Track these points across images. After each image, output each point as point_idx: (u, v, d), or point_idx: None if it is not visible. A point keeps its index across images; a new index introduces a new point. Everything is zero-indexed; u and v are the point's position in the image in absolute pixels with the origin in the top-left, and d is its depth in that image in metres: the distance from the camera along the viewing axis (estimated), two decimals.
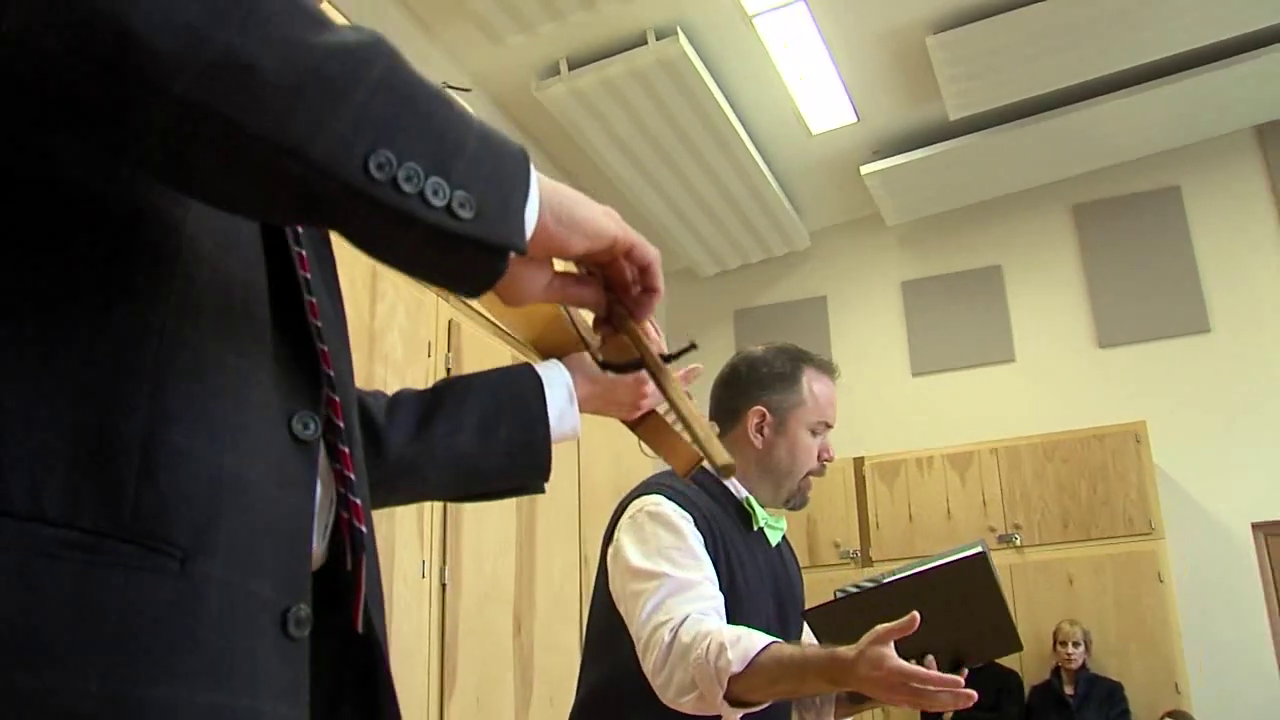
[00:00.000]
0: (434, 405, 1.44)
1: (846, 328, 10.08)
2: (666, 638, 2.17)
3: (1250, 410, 8.73)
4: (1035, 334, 9.49)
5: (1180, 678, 7.62)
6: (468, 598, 4.22)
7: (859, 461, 8.89)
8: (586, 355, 1.53)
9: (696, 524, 2.37)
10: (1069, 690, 7.56)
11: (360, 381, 1.32)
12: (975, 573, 2.33)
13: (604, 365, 1.36)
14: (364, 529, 1.01)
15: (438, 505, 4.02)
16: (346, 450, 1.03)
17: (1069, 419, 8.73)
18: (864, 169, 9.10)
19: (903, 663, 2.07)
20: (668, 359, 1.31)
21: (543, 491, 1.55)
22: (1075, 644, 7.60)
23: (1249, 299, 9.00)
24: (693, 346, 1.34)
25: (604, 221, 1.09)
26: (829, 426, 2.71)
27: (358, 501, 1.01)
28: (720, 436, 2.66)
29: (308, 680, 0.92)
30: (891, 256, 10.13)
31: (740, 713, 2.16)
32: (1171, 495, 8.45)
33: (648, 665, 2.18)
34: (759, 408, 2.66)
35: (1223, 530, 8.59)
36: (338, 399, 1.03)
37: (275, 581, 0.89)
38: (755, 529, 2.58)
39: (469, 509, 4.21)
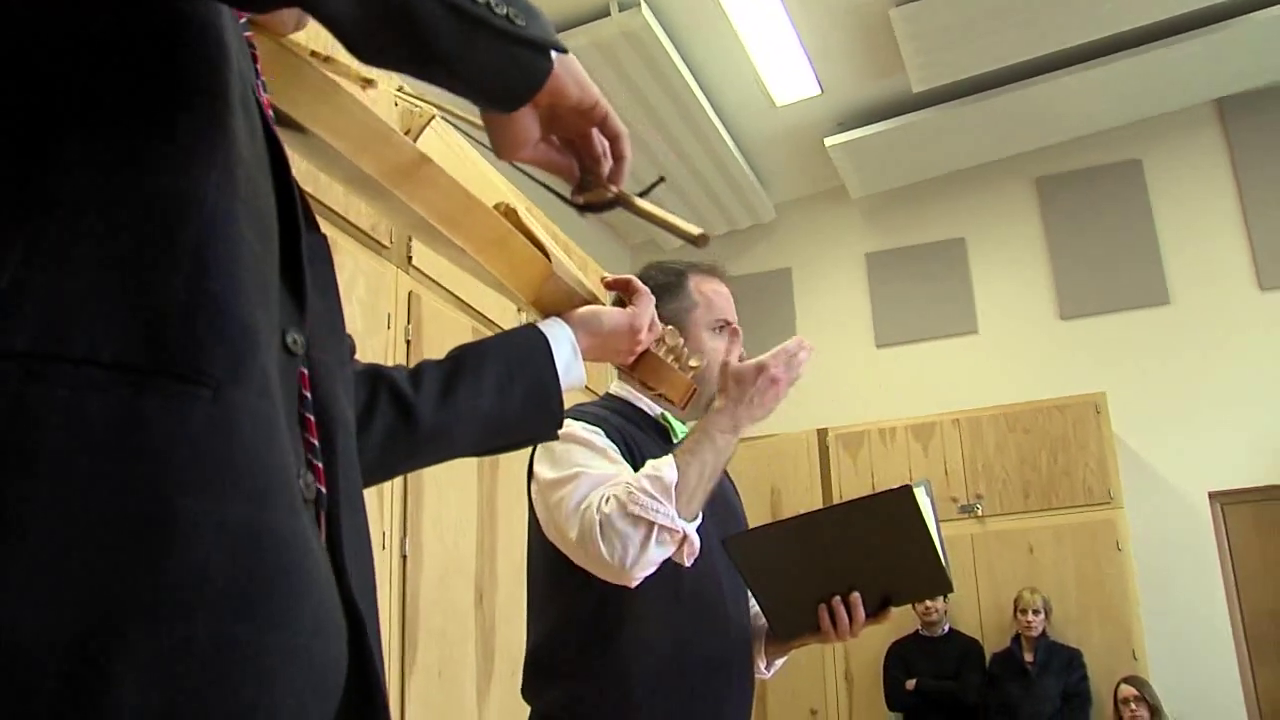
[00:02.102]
0: (455, 372, 1.50)
1: (811, 300, 10.12)
2: (597, 516, 2.14)
3: (1208, 381, 8.81)
4: (997, 306, 9.55)
5: (1137, 645, 7.67)
6: (429, 570, 4.17)
7: (823, 433, 8.91)
8: (583, 311, 1.63)
9: (608, 435, 2.35)
10: (1029, 658, 7.58)
11: None
12: (901, 507, 2.29)
13: (583, 207, 1.38)
14: (323, 488, 1.03)
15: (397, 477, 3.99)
16: (312, 418, 1.05)
17: (1030, 390, 8.78)
18: (828, 141, 9.12)
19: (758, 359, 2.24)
20: (640, 195, 1.39)
21: (556, 438, 1.63)
22: (1035, 612, 7.62)
23: (1208, 271, 9.08)
24: (661, 180, 1.41)
25: (593, 84, 1.22)
26: (730, 324, 2.68)
27: (320, 464, 1.03)
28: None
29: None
30: (856, 229, 10.17)
31: (695, 526, 2.17)
32: (1130, 465, 8.52)
33: (596, 553, 2.13)
34: None
35: (1180, 499, 8.68)
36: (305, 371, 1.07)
37: (288, 430, 0.97)
38: (676, 443, 2.51)
39: (430, 480, 4.19)
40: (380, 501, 3.97)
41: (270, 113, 1.11)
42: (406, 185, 1.35)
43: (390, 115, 1.37)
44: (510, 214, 1.53)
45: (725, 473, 2.68)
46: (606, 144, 1.30)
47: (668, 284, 2.65)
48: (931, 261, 9.82)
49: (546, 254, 1.56)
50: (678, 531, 2.13)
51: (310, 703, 0.89)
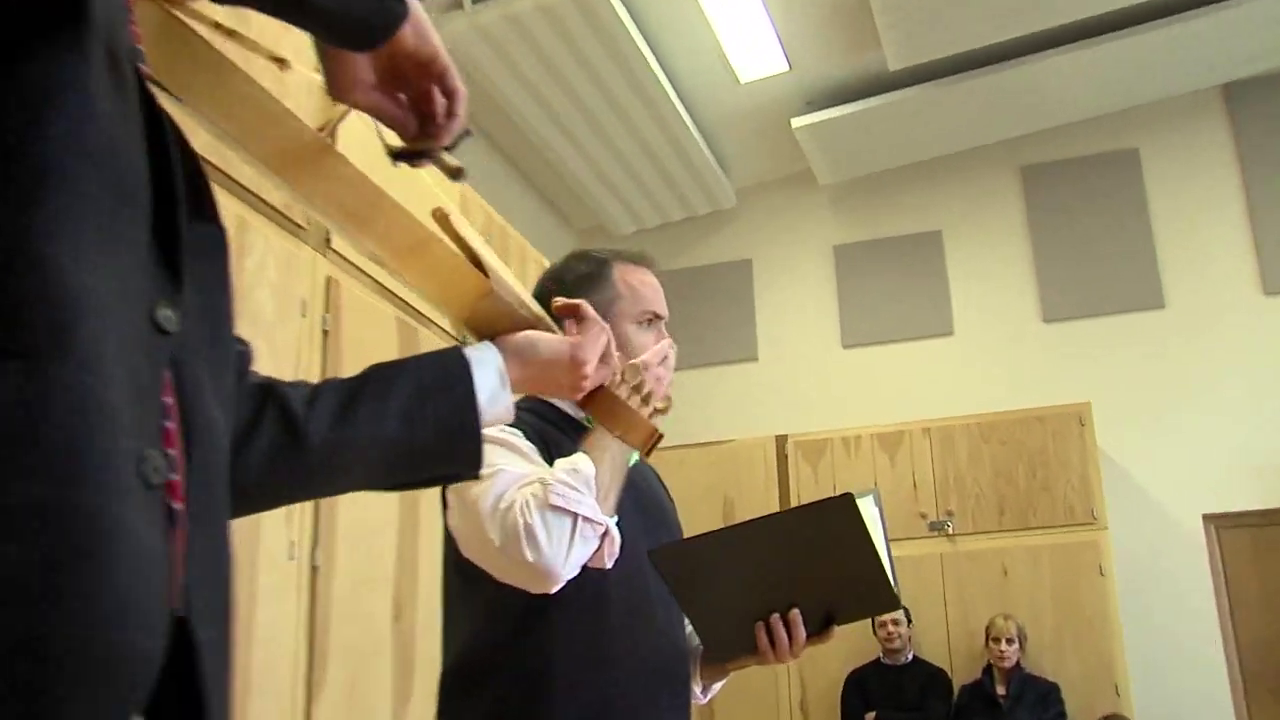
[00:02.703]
0: (357, 391, 1.49)
1: (773, 294, 10.14)
2: (520, 518, 2.14)
3: (1204, 393, 8.80)
4: (976, 306, 9.56)
5: (1120, 678, 7.68)
6: (341, 581, 4.18)
7: (781, 440, 8.94)
8: (519, 336, 1.63)
9: (527, 436, 2.36)
10: (1001, 690, 7.58)
11: None
12: (841, 517, 2.30)
13: (394, 154, 1.39)
14: (179, 506, 0.99)
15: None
16: (171, 403, 1.02)
17: (1008, 398, 8.83)
18: (795, 122, 9.09)
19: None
20: (448, 149, 1.38)
21: (477, 478, 1.60)
22: (1009, 641, 7.61)
23: (1207, 273, 9.07)
24: (467, 133, 1.38)
25: (436, 38, 1.30)
26: (660, 317, 2.67)
27: (174, 454, 1.00)
28: None
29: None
30: (823, 218, 10.18)
31: (614, 521, 2.18)
32: (1116, 482, 8.54)
33: (519, 555, 2.14)
34: None
35: (1171, 521, 8.70)
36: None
37: (128, 408, 0.92)
38: None
39: None
40: (288, 508, 3.88)
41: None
42: (302, 175, 1.37)
43: (304, 101, 1.36)
44: (443, 219, 1.54)
45: (658, 478, 2.77)
46: (445, 103, 1.35)
47: (589, 274, 2.65)
48: (905, 256, 9.84)
49: (483, 268, 1.57)
50: (600, 525, 2.15)
51: (101, 694, 0.87)
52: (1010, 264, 9.56)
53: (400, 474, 1.54)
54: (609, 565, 2.21)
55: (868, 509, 2.37)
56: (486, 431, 1.91)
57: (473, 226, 1.60)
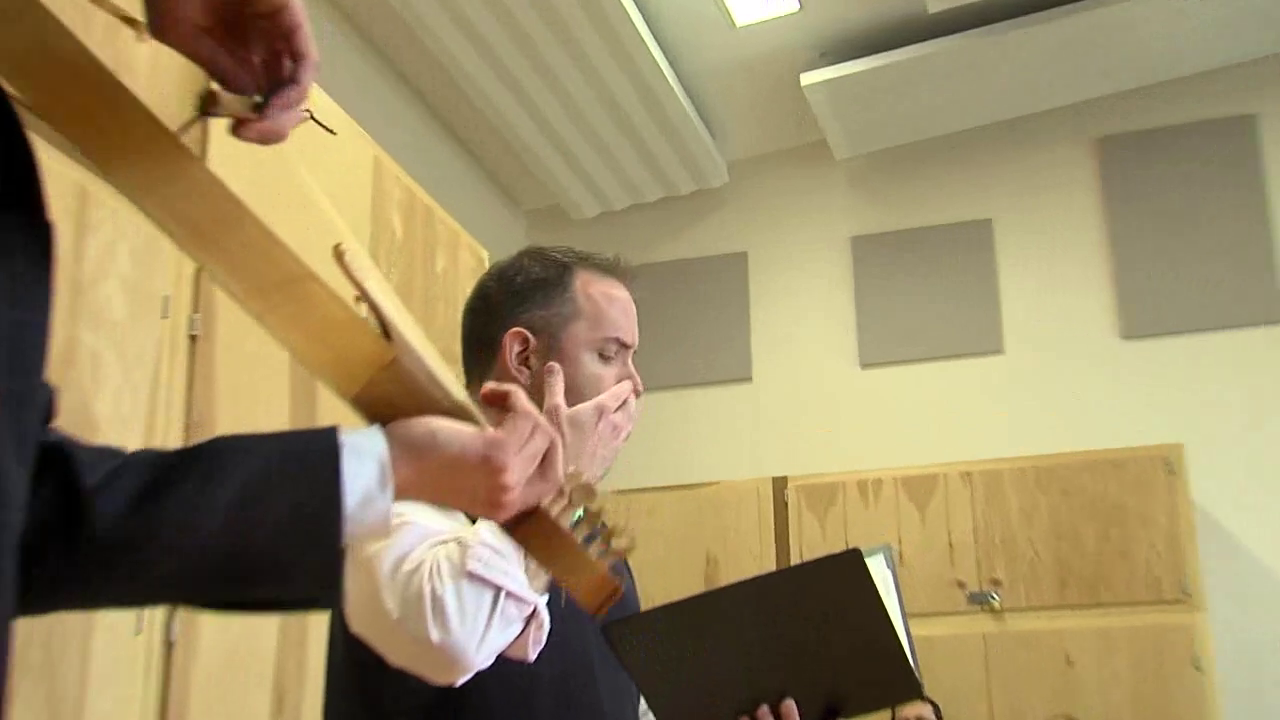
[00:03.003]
0: (174, 469, 1.41)
1: (773, 298, 10.10)
2: (427, 585, 2.14)
3: None
4: (1034, 317, 9.47)
5: None
6: (206, 662, 4.15)
7: (780, 483, 8.95)
8: (421, 424, 1.55)
9: None
10: None
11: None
12: (847, 579, 2.33)
13: (202, 102, 1.37)
14: None
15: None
16: None
17: (1074, 436, 8.72)
18: (806, 78, 9.04)
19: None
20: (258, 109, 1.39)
21: (333, 607, 1.57)
22: None
23: None
24: (309, 114, 1.44)
25: None
26: (626, 347, 2.72)
27: None
28: (475, 382, 2.72)
29: None
30: (839, 202, 10.15)
31: (544, 601, 2.21)
32: (1217, 547, 8.44)
33: (423, 632, 2.13)
34: (517, 329, 2.71)
35: None
36: None
37: None
38: None
39: None
40: None
41: None
42: (130, 173, 1.33)
43: (163, 80, 1.39)
44: (339, 258, 1.51)
45: None
46: (291, 66, 1.40)
47: (543, 280, 2.71)
48: (943, 252, 9.76)
49: (387, 330, 1.53)
50: (527, 604, 2.15)
51: None
52: (1080, 263, 9.47)
53: (222, 588, 1.47)
54: (532, 658, 2.21)
55: (877, 570, 2.43)
56: None
57: (395, 201, 1.58)
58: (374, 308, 1.51)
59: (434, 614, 2.11)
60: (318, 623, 4.32)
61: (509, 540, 1.92)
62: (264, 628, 4.43)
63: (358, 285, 1.50)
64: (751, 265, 10.22)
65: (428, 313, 5.83)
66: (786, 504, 8.86)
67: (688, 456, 9.64)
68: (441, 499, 1.60)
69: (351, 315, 1.48)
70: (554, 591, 2.21)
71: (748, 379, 10.00)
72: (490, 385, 1.73)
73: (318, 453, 1.46)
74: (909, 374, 9.68)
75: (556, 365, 2.53)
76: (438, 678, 2.16)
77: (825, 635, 2.39)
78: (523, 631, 2.17)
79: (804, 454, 9.33)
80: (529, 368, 2.66)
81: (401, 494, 1.52)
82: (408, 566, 2.17)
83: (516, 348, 2.68)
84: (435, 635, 2.11)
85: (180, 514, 1.38)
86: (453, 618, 2.10)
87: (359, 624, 2.25)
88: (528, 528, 1.68)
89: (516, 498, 1.60)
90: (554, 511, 1.71)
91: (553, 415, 2.37)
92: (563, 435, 2.29)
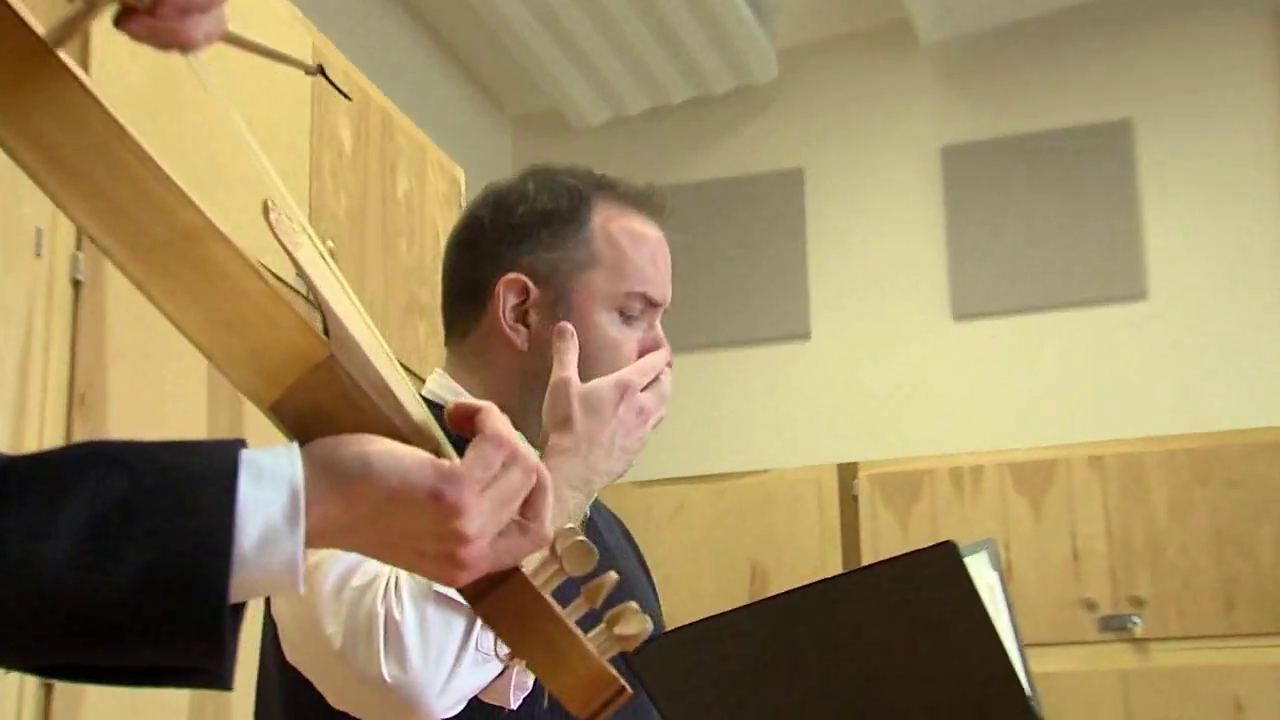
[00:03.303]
0: (13, 477, 1.39)
1: (837, 231, 10.00)
2: (380, 606, 2.16)
3: None
4: (1190, 252, 9.36)
5: None
6: (96, 703, 4.22)
7: (847, 471, 8.88)
8: (358, 444, 1.50)
9: None
10: None
11: None
12: (942, 579, 2.36)
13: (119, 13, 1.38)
14: None
15: None
16: None
17: (1245, 410, 8.66)
18: None
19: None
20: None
21: (223, 686, 1.52)
22: None
23: None
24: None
25: None
26: (655, 304, 2.79)
27: None
28: (456, 338, 2.85)
29: None
30: (925, 102, 10.06)
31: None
32: None
33: (373, 670, 2.15)
34: (515, 275, 2.77)
35: None
36: None
37: None
38: None
39: None
40: None
41: None
42: None
43: None
44: (266, 214, 1.51)
45: (626, 534, 2.96)
46: None
47: (551, 212, 2.77)
48: (1066, 165, 9.60)
49: (324, 318, 1.51)
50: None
51: None
52: (1253, 180, 9.31)
53: (68, 648, 1.41)
54: (514, 704, 2.25)
55: (980, 572, 2.49)
56: None
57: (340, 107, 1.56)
58: (309, 287, 1.51)
59: (387, 645, 2.12)
60: (245, 652, 4.63)
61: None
62: None
63: (288, 255, 1.51)
64: (809, 187, 10.08)
65: (386, 250, 5.90)
66: (856, 499, 8.74)
67: (726, 438, 9.54)
68: (375, 549, 1.56)
69: (272, 295, 1.46)
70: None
71: (804, 336, 9.93)
72: (457, 402, 1.66)
73: (205, 472, 1.42)
74: (1018, 328, 9.50)
75: (569, 326, 2.62)
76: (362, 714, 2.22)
77: (910, 655, 2.41)
78: (503, 671, 2.19)
79: (878, 433, 9.27)
80: (527, 325, 2.72)
81: (318, 538, 1.48)
82: (357, 581, 2.19)
83: (513, 299, 2.73)
84: (388, 672, 2.12)
85: (11, 541, 1.35)
86: (412, 650, 2.12)
87: (295, 654, 2.31)
88: (498, 600, 1.60)
89: (481, 554, 1.54)
90: (538, 580, 1.63)
91: (560, 392, 2.48)
92: (572, 419, 2.42)
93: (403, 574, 2.15)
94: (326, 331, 1.46)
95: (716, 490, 8.87)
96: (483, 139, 10.07)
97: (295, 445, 1.48)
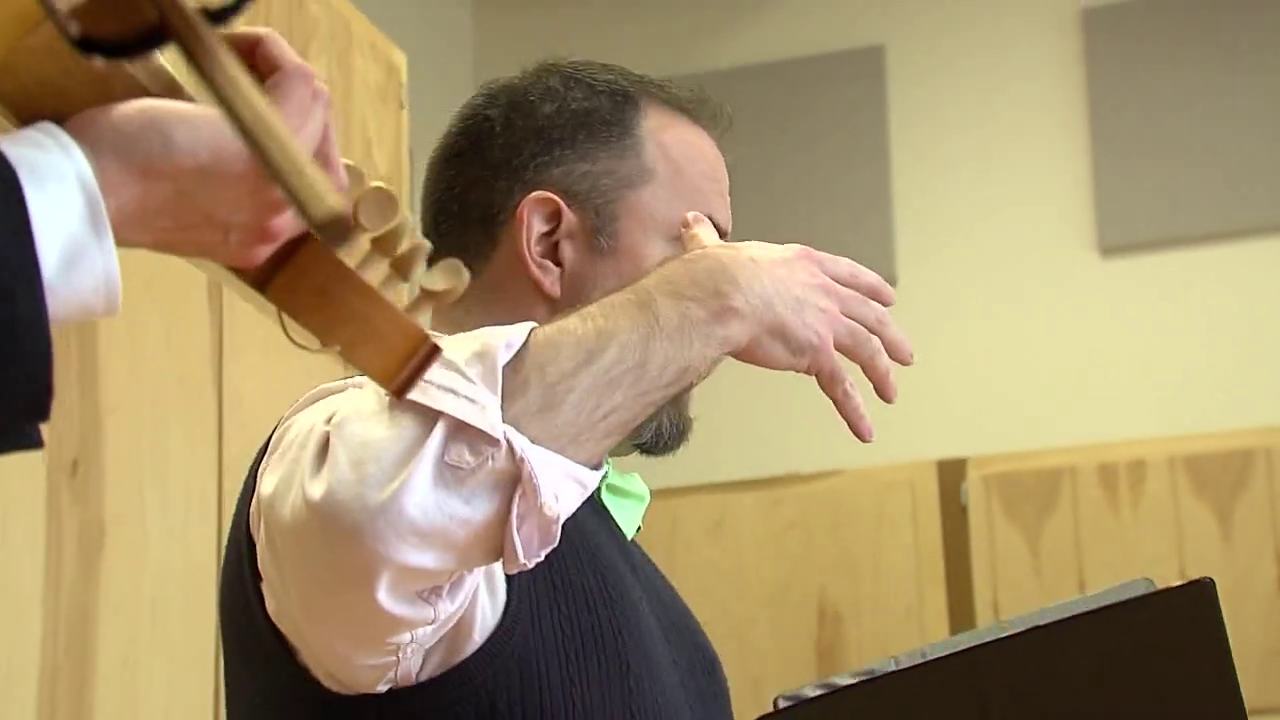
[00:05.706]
0: None
1: (933, 131, 8.95)
2: (323, 429, 2.01)
3: None
4: None
5: None
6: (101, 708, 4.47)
7: (953, 469, 8.03)
8: (136, 112, 1.47)
9: None
10: None
11: None
12: (1193, 622, 2.28)
13: (82, 43, 1.28)
14: None
15: None
16: None
17: None
18: None
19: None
20: (218, 15, 1.31)
21: (33, 445, 1.46)
22: None
23: None
24: None
25: None
26: (715, 228, 2.59)
27: None
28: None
29: None
30: None
31: (593, 472, 2.07)
32: None
33: (296, 500, 1.95)
34: (543, 193, 2.61)
35: None
36: None
37: None
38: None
39: None
40: None
41: None
42: None
43: None
44: None
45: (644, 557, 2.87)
46: None
47: (590, 113, 2.65)
48: (1255, 35, 8.48)
49: None
50: (495, 439, 1.91)
51: None
52: None
53: None
54: (526, 560, 2.01)
55: None
56: (326, 385, 2.21)
57: None
58: None
59: (315, 460, 1.99)
60: (108, 618, 4.83)
61: (483, 351, 2.01)
62: (26, 638, 4.53)
63: None
64: (891, 69, 9.09)
65: None
66: (964, 509, 7.92)
67: (781, 428, 8.51)
68: (168, 238, 1.58)
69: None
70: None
71: (889, 279, 8.24)
72: (234, 32, 1.56)
73: None
74: (1191, 265, 8.42)
75: (699, 213, 2.58)
76: (319, 584, 2.05)
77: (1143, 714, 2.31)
78: (505, 504, 1.94)
79: (994, 417, 8.31)
80: (558, 262, 2.58)
81: (127, 231, 1.51)
82: (325, 426, 2.05)
83: (540, 224, 2.58)
84: (311, 490, 1.97)
85: None
86: (340, 460, 1.95)
87: (264, 559, 2.21)
88: (291, 276, 1.63)
89: (291, 218, 1.57)
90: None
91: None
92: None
93: (371, 392, 1.98)
94: None
95: (770, 499, 8.06)
96: (433, 11, 9.22)
97: (55, 127, 1.44)
